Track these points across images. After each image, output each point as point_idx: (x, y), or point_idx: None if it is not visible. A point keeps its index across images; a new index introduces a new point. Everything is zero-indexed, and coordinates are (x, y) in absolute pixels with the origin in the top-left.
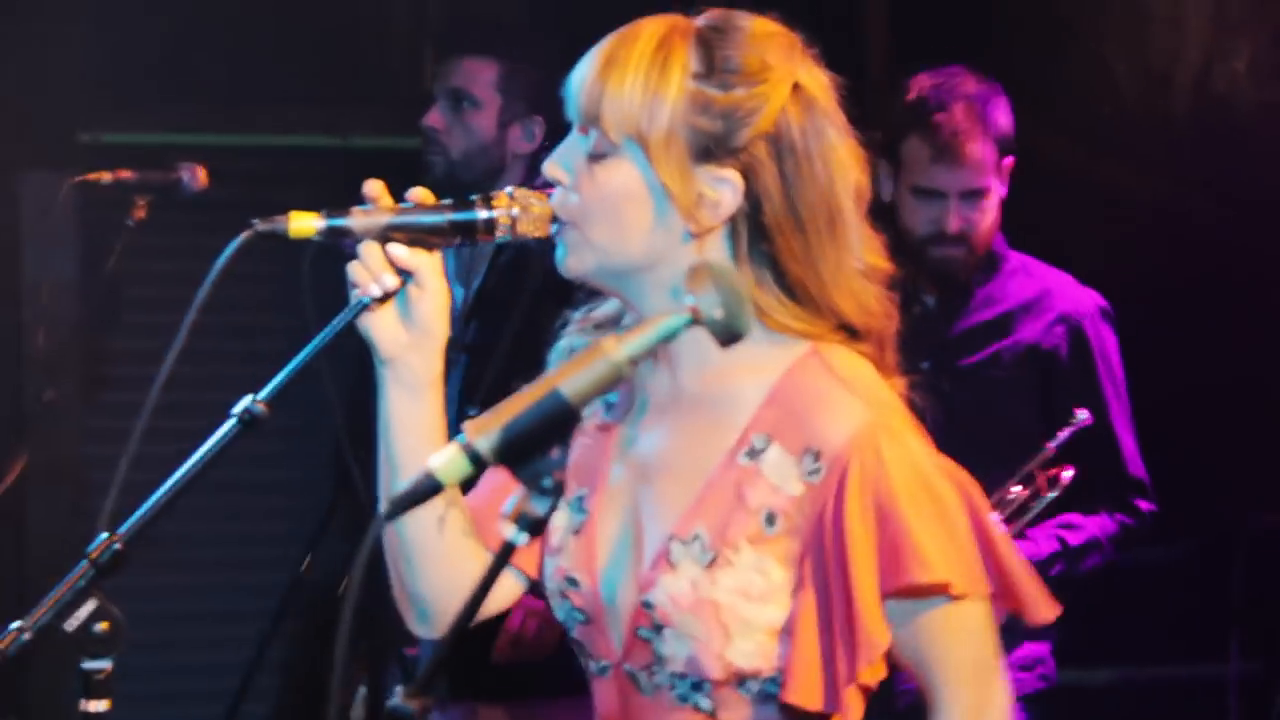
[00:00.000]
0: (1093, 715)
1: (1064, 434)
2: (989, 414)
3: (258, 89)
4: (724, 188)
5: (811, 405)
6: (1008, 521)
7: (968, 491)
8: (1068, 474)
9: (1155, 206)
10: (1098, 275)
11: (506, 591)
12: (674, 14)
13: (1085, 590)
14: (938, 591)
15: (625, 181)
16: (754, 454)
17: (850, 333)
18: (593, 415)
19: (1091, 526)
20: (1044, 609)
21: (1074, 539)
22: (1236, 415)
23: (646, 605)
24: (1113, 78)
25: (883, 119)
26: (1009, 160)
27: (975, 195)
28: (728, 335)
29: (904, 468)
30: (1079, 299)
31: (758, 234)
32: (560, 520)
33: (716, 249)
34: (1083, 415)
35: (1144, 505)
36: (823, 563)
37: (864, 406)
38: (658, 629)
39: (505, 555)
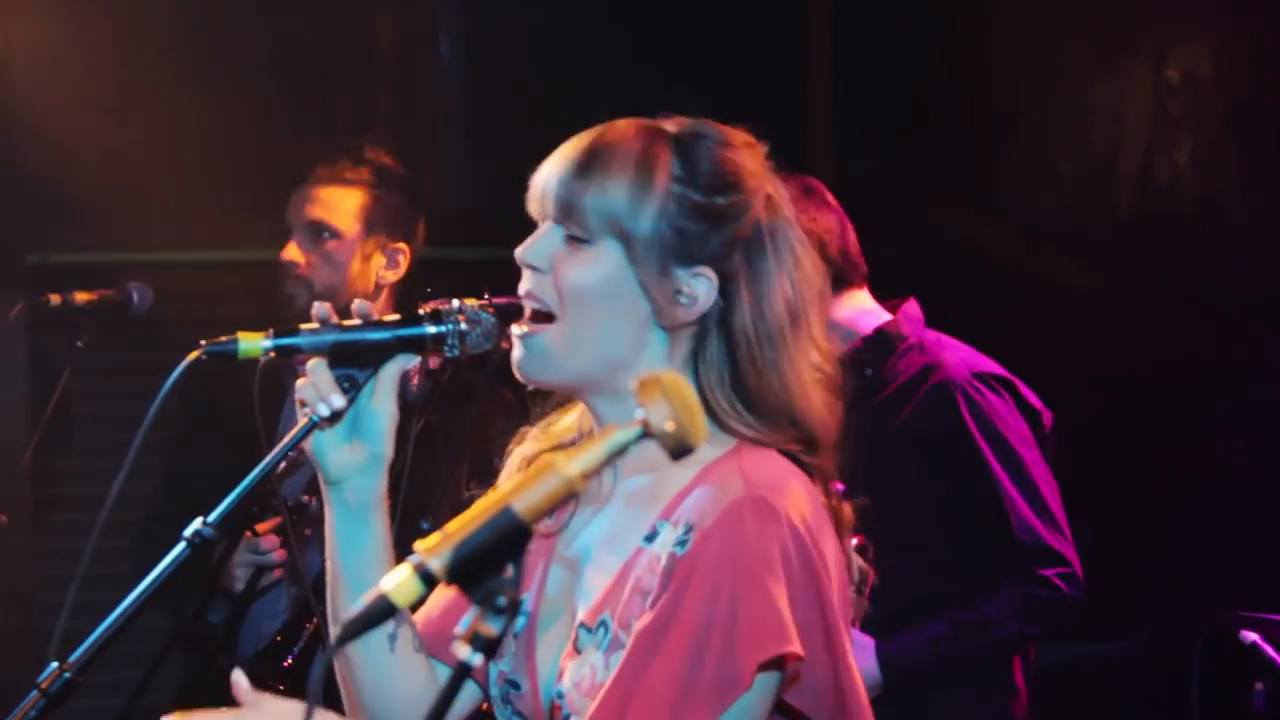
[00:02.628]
0: None
1: None
2: (883, 499)
3: (202, 204)
4: (700, 285)
5: (706, 491)
6: None
7: (830, 590)
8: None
9: (1098, 297)
10: (1040, 366)
11: (463, 705)
12: (643, 119)
13: (1045, 683)
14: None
15: (603, 272)
16: (651, 539)
17: (806, 443)
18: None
19: (987, 605)
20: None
21: (964, 616)
22: (1190, 512)
23: (559, 696)
24: (1055, 169)
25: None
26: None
27: None
28: (679, 449)
29: (766, 540)
30: (955, 368)
31: (724, 337)
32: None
33: (683, 347)
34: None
35: (1051, 573)
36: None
37: (744, 487)
38: (566, 719)
39: (460, 677)
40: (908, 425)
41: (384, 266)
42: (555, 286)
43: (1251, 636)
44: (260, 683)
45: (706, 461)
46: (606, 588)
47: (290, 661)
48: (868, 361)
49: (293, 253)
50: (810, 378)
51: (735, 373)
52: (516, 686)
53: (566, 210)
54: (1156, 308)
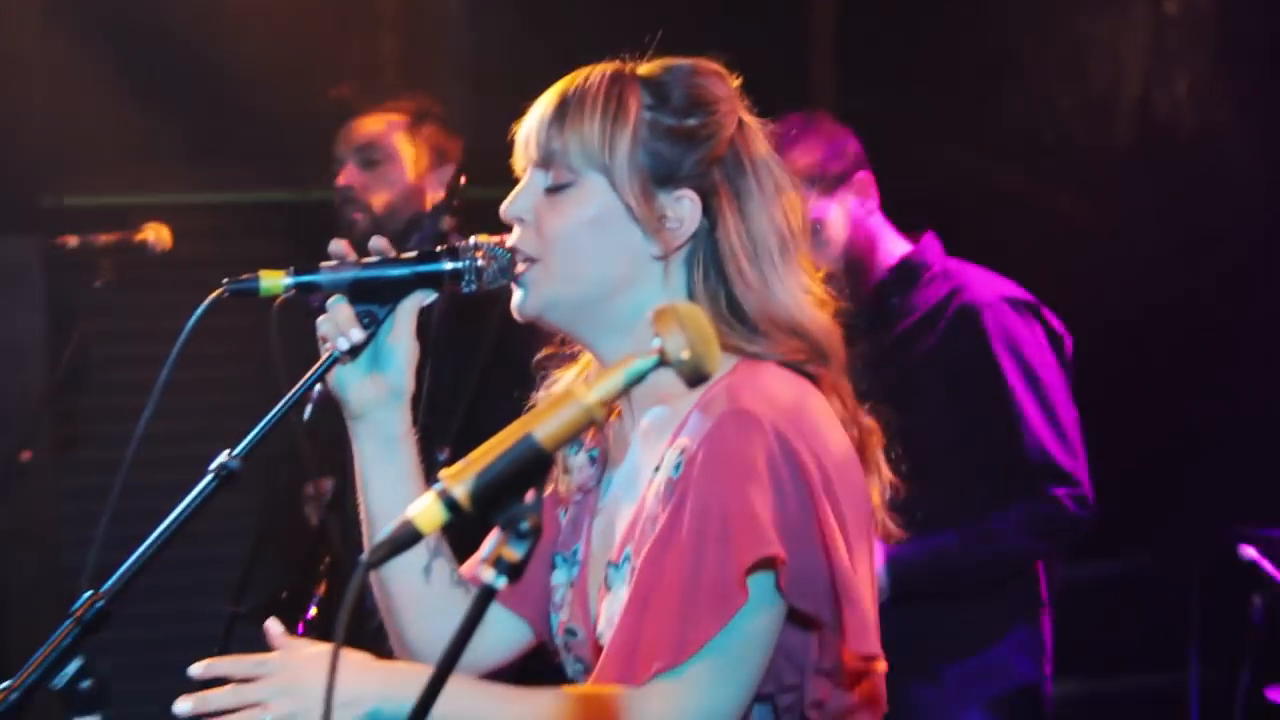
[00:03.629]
0: None
1: None
2: (908, 428)
3: (217, 147)
4: (684, 206)
5: (698, 414)
6: None
7: (816, 487)
8: None
9: (1099, 230)
10: (1042, 295)
11: (510, 641)
12: (613, 62)
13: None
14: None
15: (589, 207)
16: (659, 469)
17: (812, 352)
18: (583, 478)
19: (996, 519)
20: (854, 629)
21: (972, 528)
22: (1190, 435)
23: (599, 637)
24: (1056, 106)
25: None
26: (858, 178)
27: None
28: (695, 376)
29: (749, 449)
30: (980, 290)
31: (714, 259)
32: (560, 577)
33: (677, 275)
34: None
35: (1061, 492)
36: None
37: (727, 402)
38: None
39: (485, 598)
40: (934, 349)
41: (436, 184)
42: (540, 234)
43: (1250, 553)
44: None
45: (706, 387)
46: (628, 524)
47: (314, 611)
48: (893, 291)
49: (350, 175)
50: (805, 294)
51: (729, 291)
52: (574, 634)
53: (547, 154)
54: (1155, 238)
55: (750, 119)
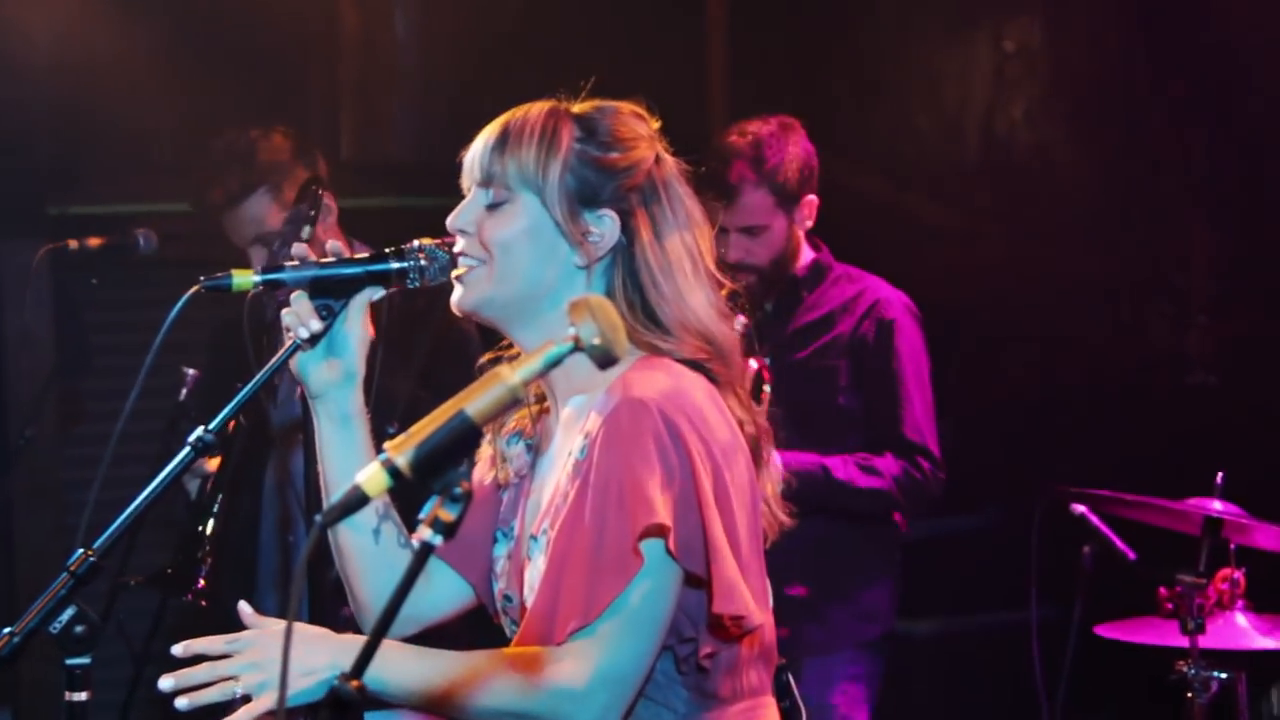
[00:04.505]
0: (918, 660)
1: None
2: (817, 398)
3: (199, 161)
4: (604, 224)
5: (601, 403)
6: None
7: (697, 464)
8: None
9: (950, 231)
10: (904, 287)
11: (451, 598)
12: (550, 100)
13: (909, 553)
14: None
15: (522, 221)
16: (571, 452)
17: (713, 352)
18: (520, 464)
19: (876, 461)
20: (721, 592)
21: (857, 457)
22: (1028, 408)
23: (525, 602)
24: (914, 125)
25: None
26: (807, 199)
27: (751, 231)
28: (605, 359)
29: (639, 432)
30: (889, 297)
31: (630, 268)
32: (499, 550)
33: (597, 283)
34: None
35: (926, 465)
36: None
37: (622, 392)
38: None
39: (423, 554)
40: (846, 337)
41: (319, 220)
42: (481, 243)
43: (1080, 508)
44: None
45: (612, 379)
46: (547, 501)
47: (203, 583)
48: (805, 286)
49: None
50: (712, 307)
51: (644, 298)
52: (510, 600)
53: (488, 175)
54: (998, 238)
55: (667, 157)
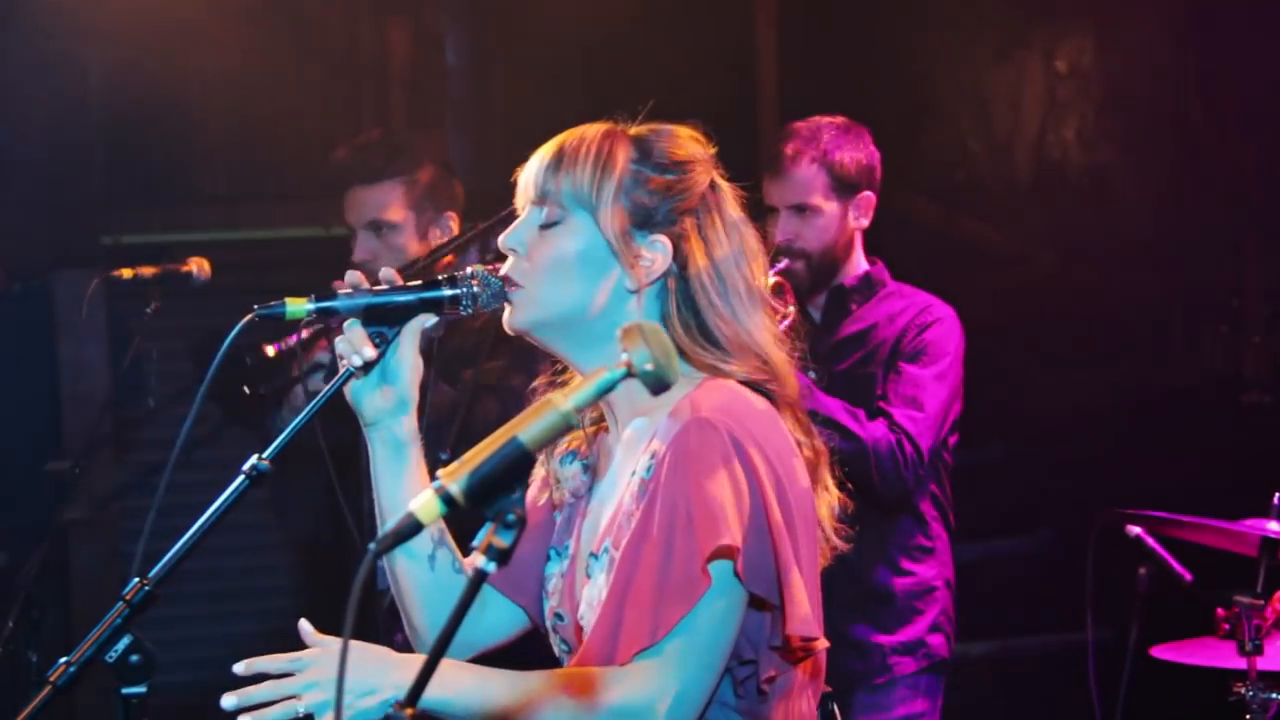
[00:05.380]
0: (973, 683)
1: None
2: (862, 399)
3: (250, 191)
4: (657, 249)
5: (667, 424)
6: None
7: (765, 485)
8: None
9: (1003, 253)
10: (958, 309)
11: (505, 625)
12: (607, 122)
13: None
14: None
15: (575, 241)
16: (635, 473)
17: (770, 371)
18: (575, 485)
19: (866, 420)
20: (795, 615)
21: (852, 408)
22: (1082, 429)
23: (580, 620)
24: (966, 148)
25: None
26: (864, 194)
27: (802, 210)
28: (658, 385)
29: (707, 451)
30: (936, 304)
31: (685, 291)
32: (552, 569)
33: (650, 306)
34: None
35: (909, 452)
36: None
37: (690, 412)
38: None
39: (478, 581)
40: (886, 346)
41: (439, 238)
42: (531, 263)
43: (1135, 530)
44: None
45: (676, 400)
46: (608, 521)
47: None
48: (854, 298)
49: (362, 253)
50: (767, 331)
51: (700, 320)
52: (561, 618)
53: (543, 194)
54: (1051, 261)
55: (723, 182)
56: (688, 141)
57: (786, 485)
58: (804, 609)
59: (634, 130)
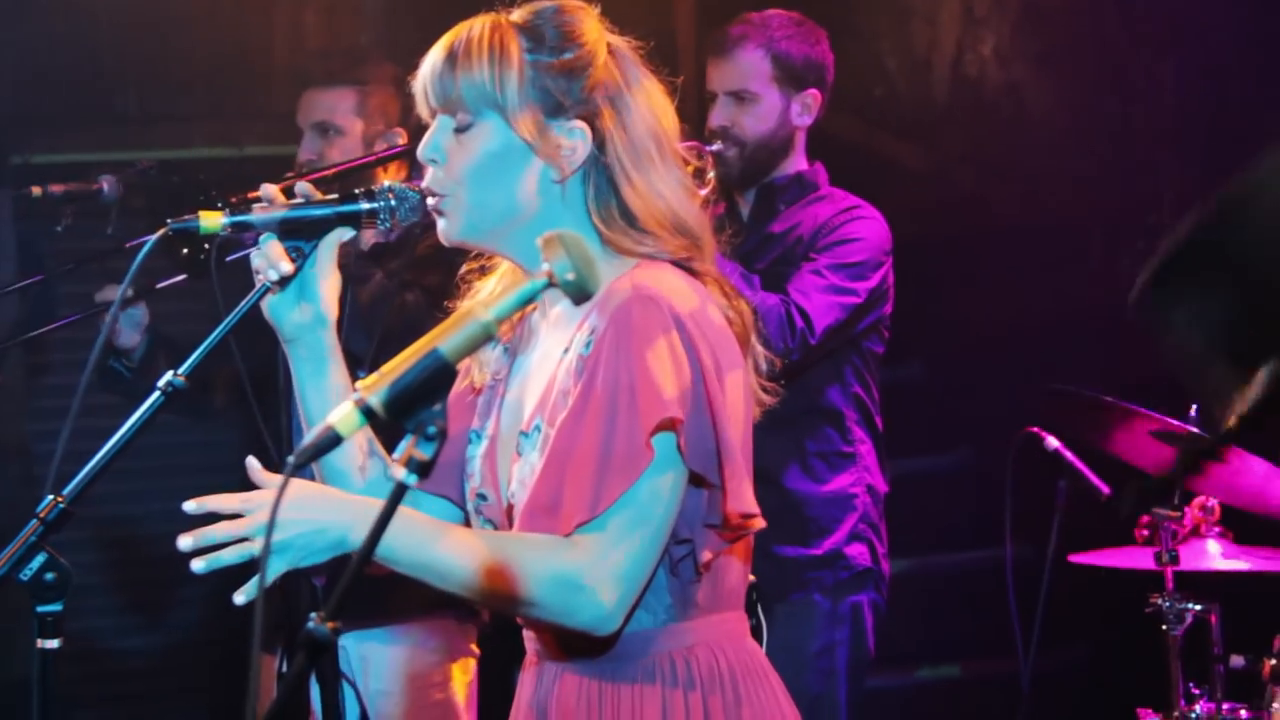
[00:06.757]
0: (893, 597)
1: None
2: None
3: (163, 110)
4: (576, 136)
5: (605, 301)
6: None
7: (706, 363)
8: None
9: (920, 171)
10: None
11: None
12: (490, 14)
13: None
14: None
15: (490, 142)
16: (568, 350)
17: (694, 248)
18: (496, 367)
19: (761, 289)
20: (735, 490)
21: (753, 280)
22: (1000, 347)
23: (512, 496)
24: (883, 65)
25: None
26: (811, 91)
27: (741, 99)
28: (579, 294)
29: (650, 326)
30: (856, 205)
31: (603, 172)
32: (473, 451)
33: (574, 192)
34: None
35: (800, 324)
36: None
37: (631, 289)
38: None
39: (398, 494)
40: (804, 240)
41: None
42: (451, 172)
43: (1054, 444)
44: None
45: (610, 280)
46: (539, 399)
47: None
48: (783, 197)
49: (306, 152)
50: (683, 189)
51: (620, 199)
52: (484, 498)
53: (445, 99)
54: (969, 178)
55: (618, 42)
56: (574, 14)
57: (724, 366)
58: (742, 485)
59: (517, 16)
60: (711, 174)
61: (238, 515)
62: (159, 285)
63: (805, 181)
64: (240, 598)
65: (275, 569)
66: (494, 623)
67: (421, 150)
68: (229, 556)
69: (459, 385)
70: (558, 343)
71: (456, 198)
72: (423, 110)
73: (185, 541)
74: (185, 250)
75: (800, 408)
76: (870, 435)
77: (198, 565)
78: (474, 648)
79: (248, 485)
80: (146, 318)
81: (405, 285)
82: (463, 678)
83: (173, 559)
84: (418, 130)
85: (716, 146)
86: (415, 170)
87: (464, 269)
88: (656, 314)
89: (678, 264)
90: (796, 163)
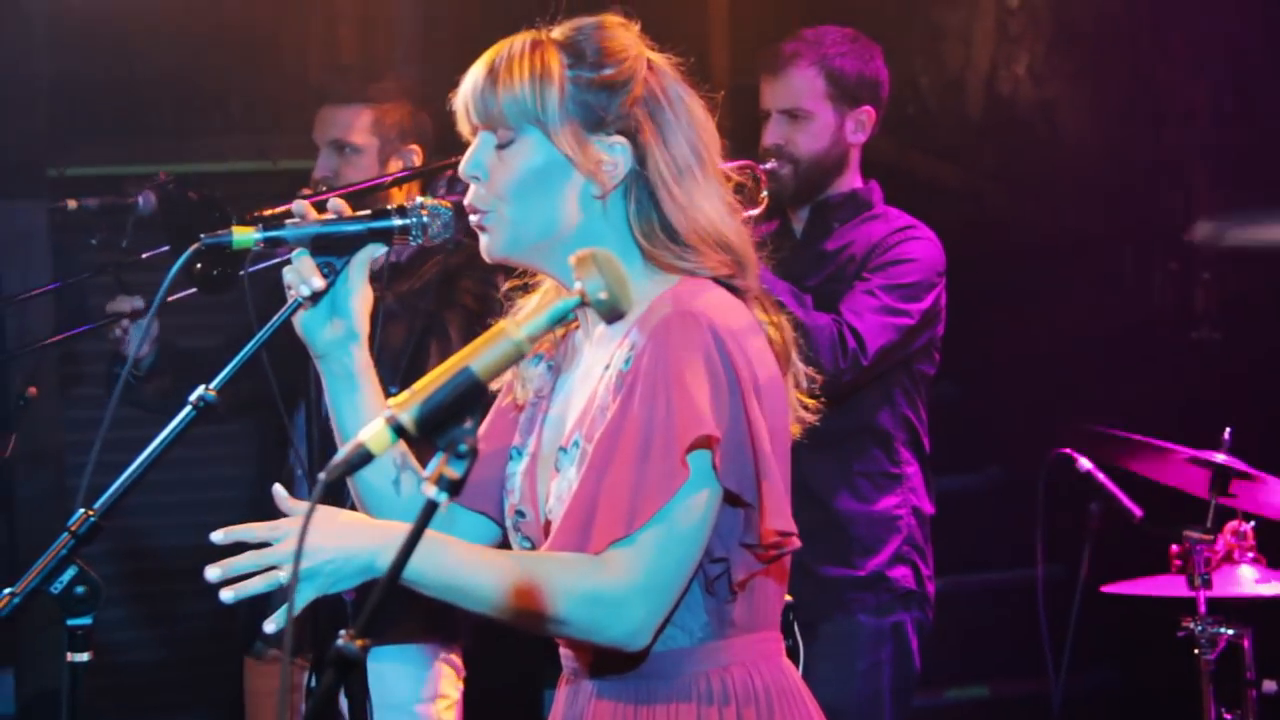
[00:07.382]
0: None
1: None
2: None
3: (197, 124)
4: (617, 152)
5: (645, 318)
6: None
7: (745, 383)
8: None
9: (954, 188)
10: None
11: (476, 536)
12: (529, 32)
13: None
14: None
15: (532, 158)
16: (609, 367)
17: (737, 265)
18: (540, 384)
19: (814, 309)
20: (772, 509)
21: (805, 299)
22: (1032, 366)
23: (549, 513)
24: (916, 83)
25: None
26: (865, 108)
27: (794, 116)
28: (611, 313)
29: (690, 345)
30: (911, 225)
31: (644, 188)
32: (513, 467)
33: (615, 208)
34: None
35: (851, 344)
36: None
37: (672, 306)
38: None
39: (429, 511)
40: (856, 260)
41: (402, 167)
42: (494, 188)
43: (1086, 465)
44: None
45: (652, 297)
46: (579, 414)
47: None
48: (837, 215)
49: (321, 170)
50: (724, 205)
51: (662, 215)
52: (523, 515)
53: (486, 115)
54: (1002, 197)
55: (657, 58)
56: (614, 30)
57: (764, 384)
58: (780, 503)
59: (557, 34)
60: (765, 192)
61: (265, 544)
62: (170, 298)
63: (859, 200)
64: (270, 626)
65: (304, 596)
66: (475, 645)
67: (463, 167)
68: (257, 585)
69: (501, 401)
70: (600, 360)
71: (499, 213)
72: (464, 127)
73: (213, 572)
74: (199, 265)
75: (849, 428)
76: (917, 457)
77: (226, 595)
78: (459, 668)
79: (264, 500)
80: (156, 329)
81: (428, 325)
82: (449, 699)
83: (187, 572)
84: (439, 148)
85: (770, 165)
86: (429, 188)
87: (506, 286)
88: (696, 331)
89: (720, 280)
90: (851, 180)
